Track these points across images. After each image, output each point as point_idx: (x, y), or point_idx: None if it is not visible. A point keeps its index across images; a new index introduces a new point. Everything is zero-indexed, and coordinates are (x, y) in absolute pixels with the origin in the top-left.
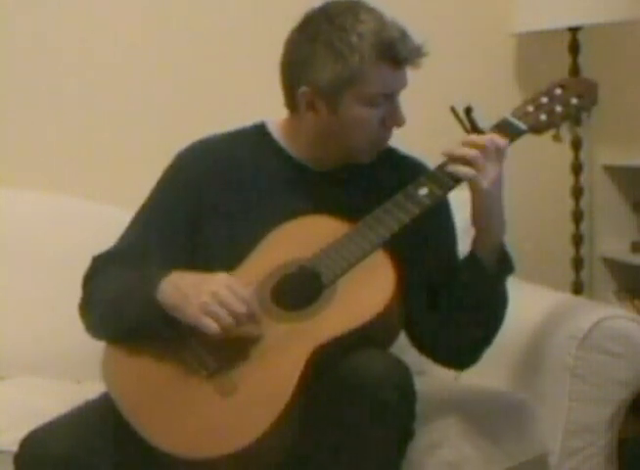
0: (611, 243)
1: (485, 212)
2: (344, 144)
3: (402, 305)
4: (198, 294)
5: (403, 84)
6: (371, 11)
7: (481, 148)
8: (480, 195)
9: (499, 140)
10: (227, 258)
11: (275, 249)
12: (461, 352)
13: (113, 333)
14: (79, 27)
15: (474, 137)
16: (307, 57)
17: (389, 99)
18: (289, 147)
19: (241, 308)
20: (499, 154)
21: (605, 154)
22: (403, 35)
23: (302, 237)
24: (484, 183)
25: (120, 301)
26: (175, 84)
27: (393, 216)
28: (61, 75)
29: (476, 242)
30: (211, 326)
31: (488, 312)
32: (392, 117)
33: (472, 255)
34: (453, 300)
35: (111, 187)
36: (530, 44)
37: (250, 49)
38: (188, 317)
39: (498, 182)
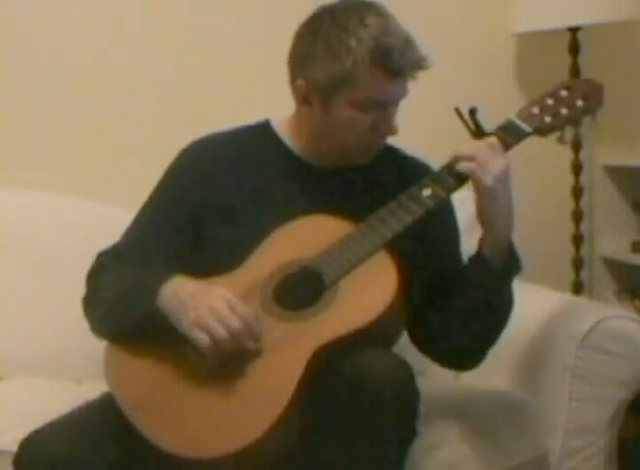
0: (611, 243)
1: (489, 211)
2: (336, 143)
3: (405, 305)
4: (195, 306)
5: (400, 94)
6: (380, 15)
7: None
8: (484, 192)
9: (490, 140)
10: (230, 256)
11: (278, 248)
12: (463, 353)
13: (113, 334)
14: (79, 26)
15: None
16: (307, 52)
17: (383, 106)
18: (292, 145)
19: (236, 325)
20: (495, 149)
21: (605, 154)
22: (405, 45)
23: (305, 237)
24: (487, 179)
25: (120, 304)
26: (176, 83)
27: (397, 217)
28: (61, 75)
29: (482, 240)
30: (204, 340)
31: (493, 313)
32: (384, 125)
33: (477, 253)
34: (458, 300)
35: (111, 187)
36: (530, 44)
37: (252, 47)
38: (183, 327)
39: (504, 181)
